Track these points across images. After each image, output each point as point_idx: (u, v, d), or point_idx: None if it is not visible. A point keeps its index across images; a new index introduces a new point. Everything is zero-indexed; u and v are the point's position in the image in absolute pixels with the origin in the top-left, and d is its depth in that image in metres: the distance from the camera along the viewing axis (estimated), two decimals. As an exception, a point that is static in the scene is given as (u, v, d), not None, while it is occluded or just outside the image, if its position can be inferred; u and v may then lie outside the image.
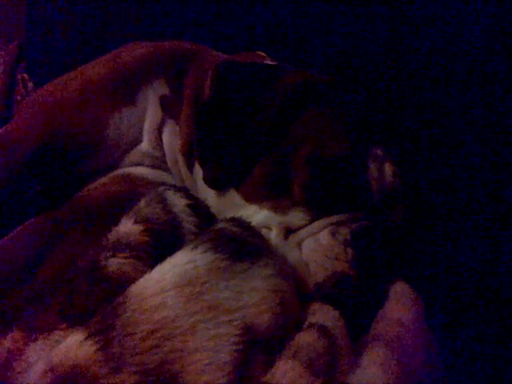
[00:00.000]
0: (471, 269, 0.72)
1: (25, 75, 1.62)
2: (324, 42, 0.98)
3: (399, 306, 0.56)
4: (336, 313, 0.54)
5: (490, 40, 0.78)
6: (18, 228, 0.65)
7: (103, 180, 0.74)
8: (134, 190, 0.68)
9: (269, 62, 0.81)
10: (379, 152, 0.65)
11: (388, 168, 0.65)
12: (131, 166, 0.76)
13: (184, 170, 0.75)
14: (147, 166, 0.77)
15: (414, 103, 0.84)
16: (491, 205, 0.74)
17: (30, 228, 0.64)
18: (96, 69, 0.79)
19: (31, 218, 0.68)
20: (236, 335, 0.44)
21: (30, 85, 1.59)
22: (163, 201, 0.54)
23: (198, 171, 0.71)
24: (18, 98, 1.60)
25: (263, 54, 0.85)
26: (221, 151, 0.66)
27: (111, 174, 0.75)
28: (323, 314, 0.53)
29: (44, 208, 0.70)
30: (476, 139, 0.77)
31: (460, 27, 0.81)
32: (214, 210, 0.67)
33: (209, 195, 0.70)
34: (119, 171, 0.75)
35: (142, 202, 0.54)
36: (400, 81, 0.87)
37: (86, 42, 1.39)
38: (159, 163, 0.77)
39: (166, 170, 0.77)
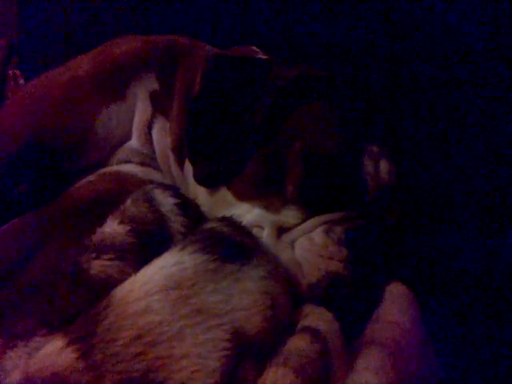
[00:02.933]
0: (469, 269, 0.70)
1: (16, 71, 1.59)
2: (320, 38, 0.97)
3: (395, 308, 0.55)
4: (330, 315, 0.52)
5: (489, 38, 0.76)
6: (3, 227, 0.63)
7: (91, 178, 0.71)
8: (122, 189, 0.66)
9: (262, 57, 0.78)
10: (375, 149, 0.64)
11: (384, 165, 0.63)
12: (120, 163, 0.74)
13: (174, 167, 0.73)
14: (136, 163, 0.74)
15: (410, 99, 0.82)
16: (490, 203, 0.72)
17: (15, 228, 0.62)
18: (85, 63, 0.77)
19: (17, 217, 0.66)
20: (225, 340, 0.43)
21: (22, 81, 1.57)
22: (150, 200, 0.52)
23: (189, 169, 0.69)
24: (10, 94, 1.58)
25: (256, 48, 0.83)
26: (211, 148, 0.64)
27: (99, 172, 0.73)
28: (316, 317, 0.51)
29: (31, 206, 0.68)
30: (475, 136, 0.76)
31: (459, 25, 0.79)
32: (204, 208, 0.65)
33: (200, 193, 0.68)
34: (107, 169, 0.73)
35: (129, 201, 0.52)
36: (396, 77, 0.85)
37: (79, 37, 1.37)
38: (149, 161, 0.75)
39: (156, 167, 0.75)
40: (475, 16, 0.78)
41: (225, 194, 0.65)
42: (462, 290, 0.69)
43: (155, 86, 0.75)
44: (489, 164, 0.73)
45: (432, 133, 0.80)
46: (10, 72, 1.60)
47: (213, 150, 0.64)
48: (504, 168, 0.73)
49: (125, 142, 0.75)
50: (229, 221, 0.54)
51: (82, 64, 0.76)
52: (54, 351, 0.38)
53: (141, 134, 0.75)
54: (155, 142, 0.74)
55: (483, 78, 0.76)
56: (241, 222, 0.56)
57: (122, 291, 0.43)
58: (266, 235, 0.61)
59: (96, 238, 0.48)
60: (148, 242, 0.49)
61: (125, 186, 0.68)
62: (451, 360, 0.56)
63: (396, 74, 0.84)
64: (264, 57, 0.78)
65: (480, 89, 0.76)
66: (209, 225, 0.52)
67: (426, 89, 0.81)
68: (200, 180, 0.66)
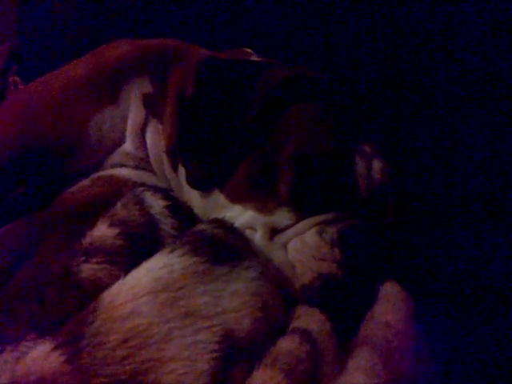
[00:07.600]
0: (464, 267, 0.70)
1: (16, 78, 1.60)
2: (313, 40, 0.97)
3: (388, 308, 0.54)
4: (322, 316, 0.52)
5: (488, 38, 0.76)
6: (-3, 232, 0.64)
7: (85, 182, 0.71)
8: (116, 192, 0.66)
9: (254, 59, 0.78)
10: (367, 148, 0.63)
11: (376, 165, 0.63)
12: (114, 167, 0.74)
13: (169, 170, 0.73)
14: (131, 167, 0.74)
15: (403, 99, 0.82)
16: (485, 201, 0.72)
17: (8, 232, 0.62)
18: (78, 68, 0.77)
19: (12, 222, 0.66)
20: (214, 342, 0.43)
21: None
22: (140, 202, 0.52)
23: (183, 171, 0.69)
24: (10, 101, 1.59)
25: (249, 50, 0.83)
26: (203, 150, 0.64)
27: (94, 176, 0.72)
28: (308, 318, 0.51)
29: (27, 211, 0.69)
30: (474, 135, 0.75)
31: (458, 24, 0.79)
32: (198, 211, 0.65)
33: (193, 196, 0.68)
34: (102, 173, 0.73)
35: (119, 204, 0.52)
36: (390, 77, 0.85)
37: (78, 44, 1.38)
38: (143, 164, 0.75)
39: (151, 170, 0.75)
40: (475, 16, 0.78)
41: (217, 196, 0.65)
42: (457, 289, 0.68)
43: (148, 89, 0.75)
44: (487, 164, 0.73)
45: (430, 132, 0.80)
46: (11, 79, 1.61)
47: (205, 153, 0.64)
48: (502, 167, 0.72)
49: (119, 146, 0.75)
50: (220, 223, 0.54)
51: (75, 68, 0.77)
52: (41, 355, 0.38)
53: (134, 137, 0.74)
54: (149, 146, 0.74)
55: (484, 77, 0.76)
56: (232, 224, 0.56)
57: (109, 294, 0.43)
58: (258, 237, 0.60)
59: (85, 241, 0.48)
60: (138, 245, 0.49)
61: (119, 189, 0.67)
62: (445, 359, 0.55)
63: (389, 72, 0.84)
64: (256, 59, 0.79)
65: (480, 88, 0.76)
66: (199, 227, 0.52)
67: (420, 87, 0.81)
68: (192, 183, 0.66)
